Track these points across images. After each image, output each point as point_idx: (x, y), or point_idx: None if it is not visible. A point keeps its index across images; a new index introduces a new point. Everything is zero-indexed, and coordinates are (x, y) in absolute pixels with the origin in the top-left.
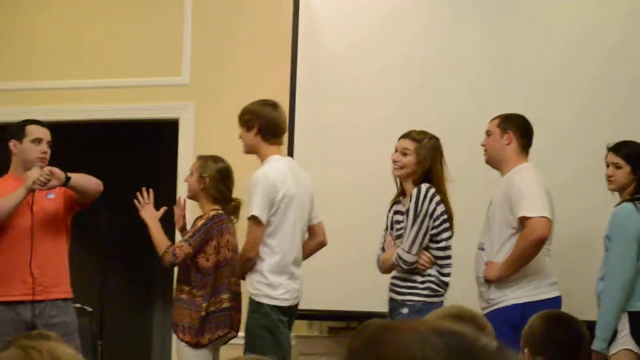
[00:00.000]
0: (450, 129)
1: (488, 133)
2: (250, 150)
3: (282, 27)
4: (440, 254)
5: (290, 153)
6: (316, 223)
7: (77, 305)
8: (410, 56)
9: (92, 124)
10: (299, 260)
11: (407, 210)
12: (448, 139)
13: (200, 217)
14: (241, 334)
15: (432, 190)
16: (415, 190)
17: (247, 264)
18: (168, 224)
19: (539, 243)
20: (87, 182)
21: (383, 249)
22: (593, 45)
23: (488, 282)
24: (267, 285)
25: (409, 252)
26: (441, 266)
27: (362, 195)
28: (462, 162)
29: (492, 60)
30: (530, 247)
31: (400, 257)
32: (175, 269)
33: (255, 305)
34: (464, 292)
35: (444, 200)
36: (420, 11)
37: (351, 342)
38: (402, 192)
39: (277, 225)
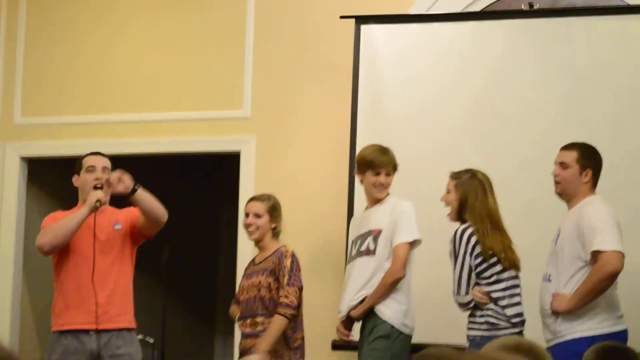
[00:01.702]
0: (518, 164)
1: (563, 165)
2: (385, 193)
3: (343, 60)
4: (491, 288)
5: (352, 183)
6: None
7: (140, 336)
8: (479, 91)
9: (154, 157)
10: None
11: (449, 252)
12: (516, 173)
13: (284, 256)
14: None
15: (469, 231)
16: (453, 235)
17: (394, 285)
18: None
19: (612, 277)
20: (154, 203)
21: None
22: None
23: (556, 313)
24: (404, 312)
25: (458, 294)
26: (497, 299)
27: (425, 219)
28: (529, 196)
29: (562, 96)
30: (602, 281)
31: (456, 302)
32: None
33: (388, 330)
34: (528, 323)
35: (485, 238)
36: (476, 43)
37: None
38: None
39: (412, 255)
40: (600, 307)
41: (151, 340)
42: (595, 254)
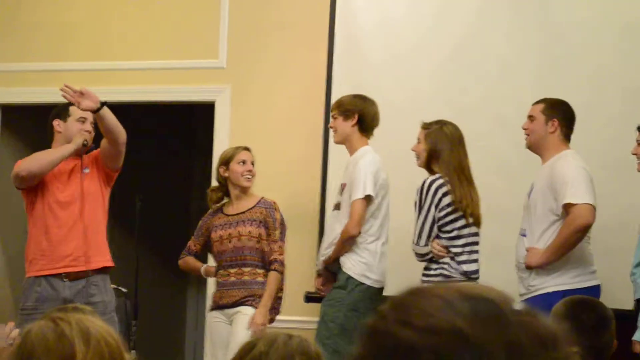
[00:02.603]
0: (493, 119)
1: (531, 118)
2: (342, 139)
3: (319, 8)
4: (451, 243)
5: (327, 133)
6: None
7: (113, 285)
8: (447, 33)
9: (128, 105)
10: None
11: (415, 202)
12: (490, 129)
13: (273, 208)
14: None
15: (438, 182)
16: (420, 184)
17: (349, 241)
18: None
19: (584, 230)
20: (116, 122)
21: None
22: None
23: (529, 268)
24: (365, 264)
25: (417, 244)
26: (455, 254)
27: (399, 171)
28: (504, 152)
29: (538, 51)
30: (574, 233)
31: (414, 251)
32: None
33: (344, 281)
34: (505, 280)
35: (455, 189)
36: None
37: (381, 306)
38: None
39: (377, 207)
40: (573, 262)
41: (124, 290)
42: (567, 207)
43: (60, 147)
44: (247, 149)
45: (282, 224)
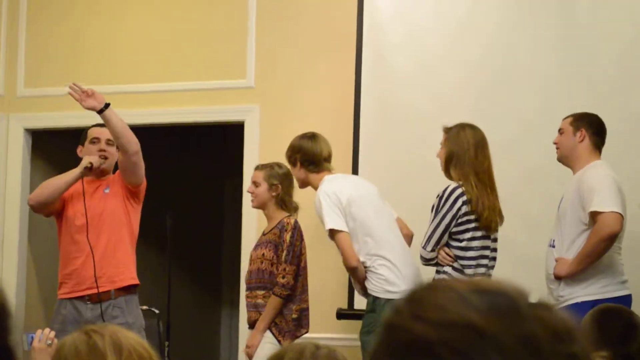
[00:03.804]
0: (521, 127)
1: (560, 131)
2: (302, 184)
3: (345, 27)
4: (460, 253)
5: (356, 152)
6: (395, 218)
7: (144, 307)
8: (480, 51)
9: (158, 127)
10: (406, 249)
11: (433, 205)
12: (519, 137)
13: (285, 229)
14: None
15: (459, 191)
16: (442, 190)
17: (356, 273)
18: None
19: (611, 238)
20: (124, 127)
21: None
22: None
23: (558, 278)
24: (384, 280)
25: (424, 247)
26: (462, 266)
27: (429, 181)
28: (534, 161)
29: (564, 58)
30: (601, 242)
31: (420, 254)
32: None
33: (372, 304)
34: (535, 291)
35: (473, 196)
36: (489, 6)
37: (397, 301)
38: None
39: (362, 225)
40: (603, 272)
41: (157, 311)
42: (594, 215)
43: (65, 173)
44: (256, 167)
45: (292, 244)
